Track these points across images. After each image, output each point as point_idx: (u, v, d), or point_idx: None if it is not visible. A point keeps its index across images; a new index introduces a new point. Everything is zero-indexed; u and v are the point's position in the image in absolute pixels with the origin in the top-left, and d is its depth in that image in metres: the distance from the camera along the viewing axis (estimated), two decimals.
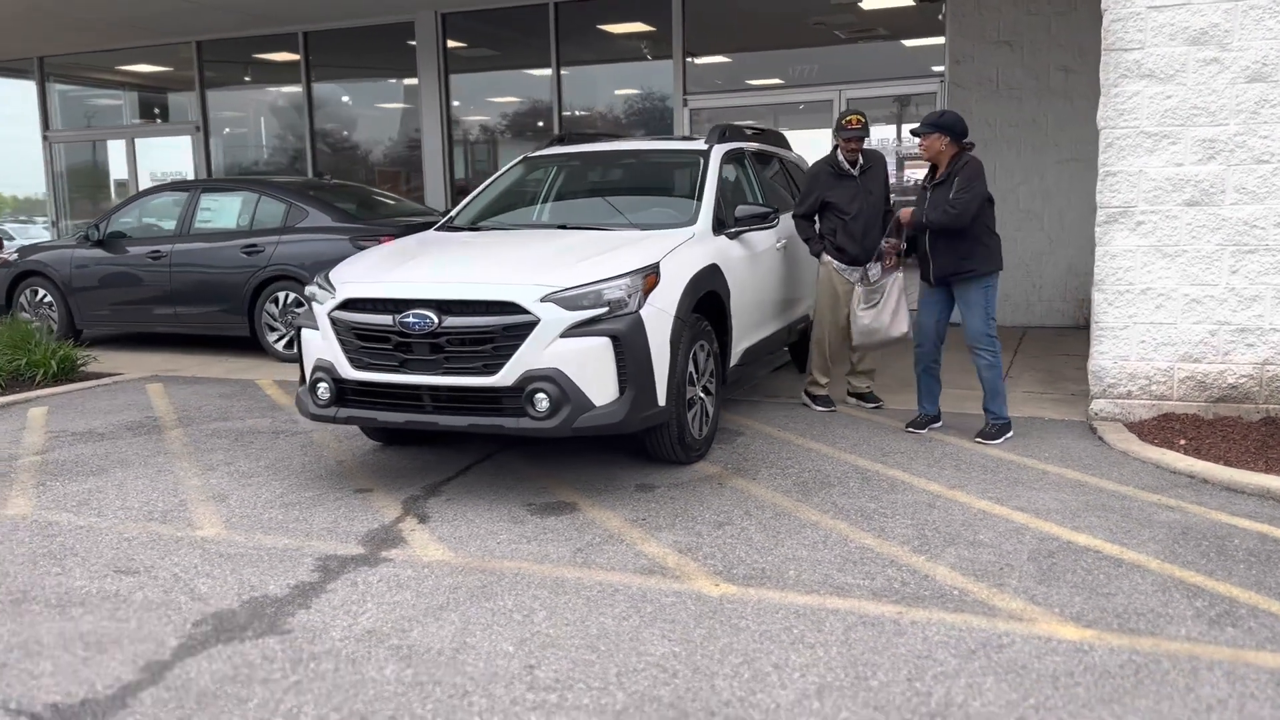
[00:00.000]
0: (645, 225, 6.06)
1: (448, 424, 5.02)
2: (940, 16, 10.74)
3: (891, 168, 7.61)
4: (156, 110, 15.68)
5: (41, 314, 10.47)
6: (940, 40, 10.76)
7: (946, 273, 5.90)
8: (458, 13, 12.65)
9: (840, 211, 6.59)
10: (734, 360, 6.23)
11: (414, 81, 13.11)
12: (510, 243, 5.84)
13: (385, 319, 5.03)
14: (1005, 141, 10.34)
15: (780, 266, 7.02)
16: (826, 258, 6.71)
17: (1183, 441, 5.83)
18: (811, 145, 11.34)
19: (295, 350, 9.14)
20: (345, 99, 14.17)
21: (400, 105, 13.78)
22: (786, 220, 7.02)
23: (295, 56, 13.70)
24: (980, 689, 3.12)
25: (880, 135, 11.15)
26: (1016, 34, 10.32)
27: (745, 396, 7.37)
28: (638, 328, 4.98)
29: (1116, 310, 6.33)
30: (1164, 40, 6.11)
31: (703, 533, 4.57)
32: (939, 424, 6.35)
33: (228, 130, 14.78)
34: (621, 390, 4.96)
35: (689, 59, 11.80)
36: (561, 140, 7.46)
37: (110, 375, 8.79)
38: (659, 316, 5.14)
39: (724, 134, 6.89)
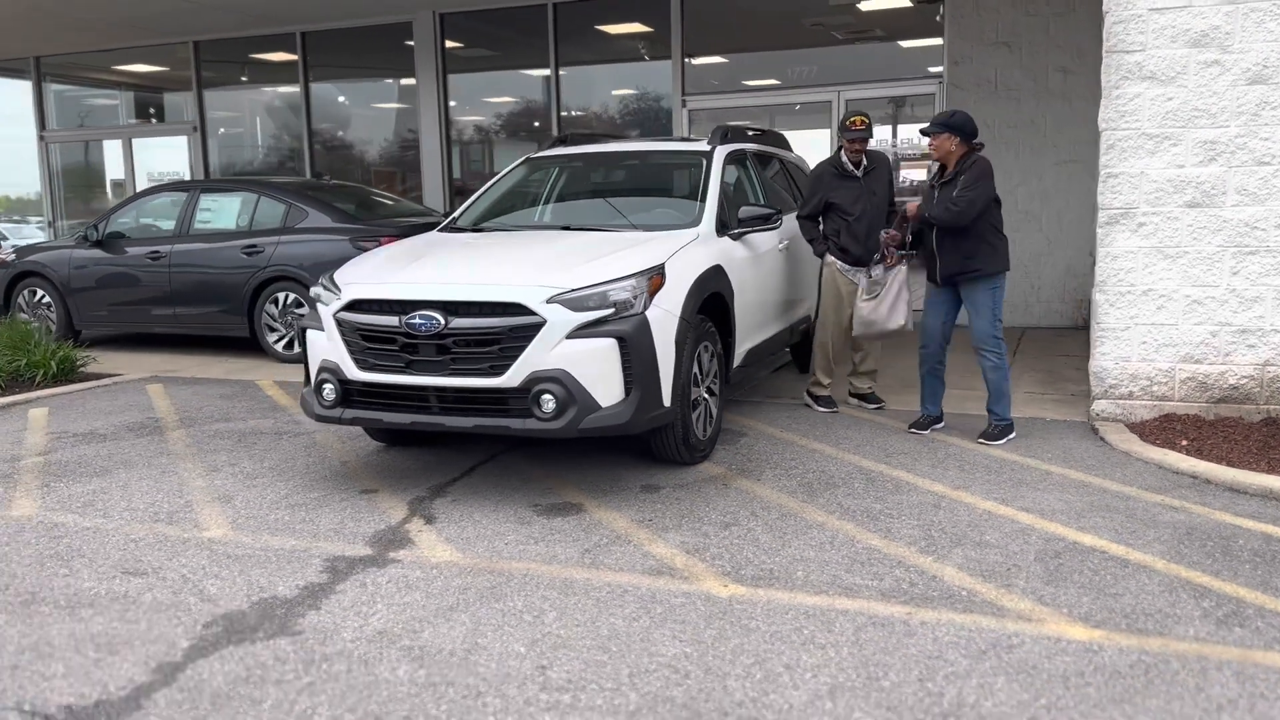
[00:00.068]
0: (649, 226, 6.07)
1: (454, 425, 5.03)
2: (938, 18, 10.77)
3: None
4: (152, 110, 15.65)
5: (40, 314, 10.45)
6: (939, 41, 10.78)
7: (953, 272, 5.92)
8: (456, 13, 12.65)
9: (844, 212, 6.61)
10: (737, 361, 6.24)
11: (412, 82, 13.10)
12: (515, 244, 5.84)
13: (391, 320, 5.04)
14: (1004, 143, 10.36)
15: (782, 267, 7.04)
16: (830, 258, 6.73)
17: (1184, 442, 5.86)
18: (812, 146, 11.39)
19: (295, 351, 9.20)
20: (343, 99, 14.16)
21: (398, 105, 13.78)
22: (788, 221, 7.03)
23: (293, 56, 13.69)
24: (992, 689, 3.14)
25: (877, 135, 11.16)
26: (1015, 35, 10.35)
27: (746, 397, 7.38)
28: (643, 329, 4.99)
29: (1118, 311, 6.35)
30: (1165, 42, 6.13)
31: (709, 533, 4.59)
32: (941, 424, 6.37)
33: (224, 130, 14.76)
34: (627, 391, 4.97)
35: (687, 60, 11.81)
36: (564, 141, 7.46)
37: (110, 376, 8.78)
38: (664, 318, 5.15)
39: (726, 135, 6.90)
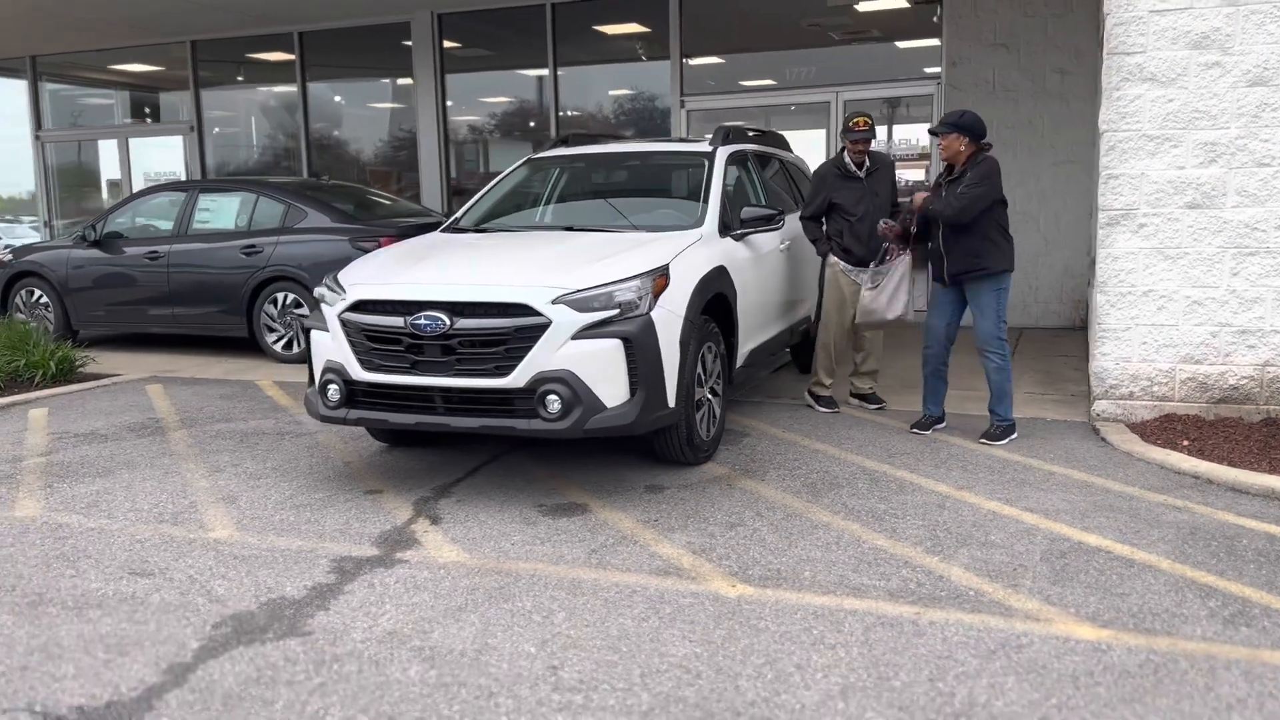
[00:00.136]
0: (652, 227, 6.08)
1: (459, 426, 5.03)
2: (935, 19, 10.79)
3: None
4: (147, 110, 15.61)
5: (37, 314, 10.43)
6: (937, 42, 10.81)
7: (960, 270, 5.93)
8: (454, 13, 12.64)
9: (846, 213, 6.63)
10: (740, 361, 6.25)
11: (409, 82, 13.09)
12: (519, 245, 5.85)
13: (397, 321, 5.04)
14: (1002, 143, 10.34)
15: (784, 268, 7.05)
16: (833, 259, 6.74)
17: (1185, 442, 5.88)
18: (811, 146, 11.42)
19: (294, 351, 9.20)
20: (340, 99, 14.15)
21: (396, 105, 13.77)
22: (789, 221, 7.04)
23: (290, 56, 13.67)
24: (1002, 689, 3.15)
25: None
26: (1013, 36, 10.37)
27: (747, 397, 7.39)
28: (649, 329, 5.00)
29: (1119, 312, 6.37)
30: (1166, 44, 6.16)
31: (715, 534, 4.60)
32: (943, 425, 6.39)
33: (219, 130, 14.73)
34: (632, 392, 4.98)
35: (686, 60, 11.82)
36: (565, 142, 7.47)
37: (109, 376, 8.77)
38: (669, 318, 5.16)
39: (728, 136, 6.92)
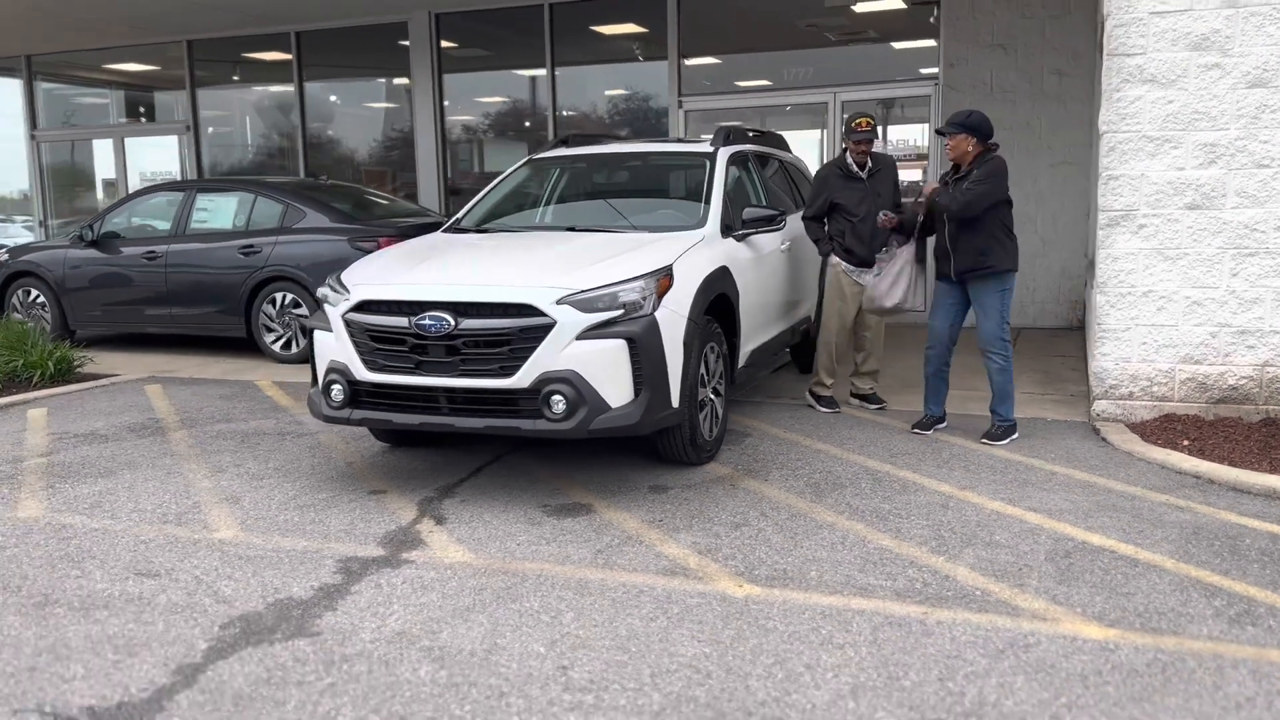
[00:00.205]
0: (654, 228, 6.09)
1: (464, 426, 5.03)
2: (932, 20, 10.82)
3: None
4: (141, 110, 15.57)
5: (34, 314, 10.40)
6: (935, 43, 10.83)
7: (966, 268, 5.94)
8: (452, 13, 12.64)
9: (848, 213, 6.64)
10: (741, 361, 6.26)
11: (406, 81, 13.08)
12: (522, 245, 5.85)
13: (401, 321, 5.04)
14: (999, 144, 10.39)
15: (785, 268, 7.07)
16: (835, 259, 6.76)
17: (1186, 442, 5.90)
18: (809, 147, 11.45)
19: (293, 352, 9.19)
20: (337, 99, 14.14)
21: (393, 105, 13.76)
22: (790, 222, 7.06)
23: (287, 56, 13.65)
24: (1012, 688, 3.16)
25: None
26: (1010, 37, 10.40)
27: (748, 397, 7.40)
28: (653, 330, 5.01)
29: (1119, 312, 6.40)
30: (1166, 46, 6.18)
31: (720, 534, 4.60)
32: (943, 425, 6.41)
33: (215, 130, 14.70)
34: (637, 392, 4.99)
35: (683, 61, 11.83)
36: (565, 142, 7.47)
37: (107, 376, 8.75)
38: (673, 319, 5.17)
39: (728, 136, 6.92)
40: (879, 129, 10.30)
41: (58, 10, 12.19)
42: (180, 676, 3.34)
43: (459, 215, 6.85)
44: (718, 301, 5.74)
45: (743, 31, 11.91)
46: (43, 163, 15.85)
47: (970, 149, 5.91)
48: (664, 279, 5.20)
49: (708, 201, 6.23)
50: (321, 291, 5.50)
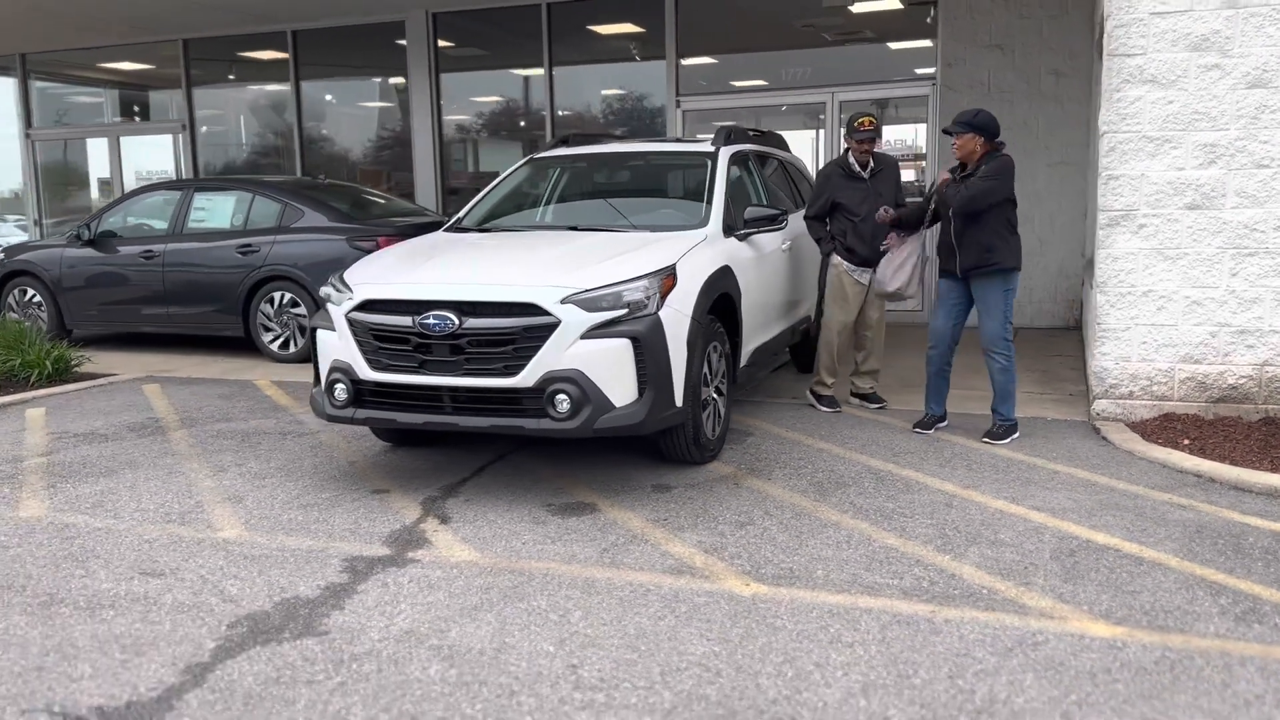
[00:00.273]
0: (656, 227, 6.09)
1: (468, 425, 5.03)
2: (929, 20, 10.84)
3: None
4: (136, 109, 15.52)
5: (30, 314, 10.37)
6: (933, 43, 10.85)
7: (972, 264, 5.94)
8: (449, 12, 12.62)
9: (850, 213, 6.66)
10: (743, 361, 6.27)
11: (403, 81, 13.07)
12: (525, 244, 5.85)
13: (405, 320, 5.03)
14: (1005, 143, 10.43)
15: (786, 268, 7.08)
16: (836, 259, 6.77)
17: (1186, 441, 5.92)
18: (808, 147, 11.46)
19: (291, 351, 9.18)
20: (334, 98, 14.11)
21: (390, 105, 13.74)
22: (791, 221, 7.06)
23: (284, 55, 13.63)
24: (1021, 686, 3.17)
25: None
26: (1008, 37, 10.43)
27: (748, 397, 7.41)
28: (657, 329, 5.01)
29: (1118, 312, 6.41)
30: (1166, 46, 6.20)
31: (725, 533, 4.61)
32: (944, 423, 6.42)
33: (211, 129, 14.66)
34: (641, 391, 4.99)
35: (681, 60, 11.83)
36: (566, 141, 7.46)
37: (104, 376, 8.72)
38: (677, 318, 5.17)
39: (729, 136, 6.93)
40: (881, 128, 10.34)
41: (58, 10, 12.16)
42: (189, 676, 3.34)
43: (460, 214, 6.84)
44: (720, 301, 5.75)
45: (740, 31, 11.91)
46: (37, 162, 15.79)
47: (977, 148, 5.92)
48: (668, 278, 5.20)
49: (709, 201, 6.24)
50: (324, 290, 5.49)
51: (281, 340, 9.32)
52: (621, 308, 4.97)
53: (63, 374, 8.49)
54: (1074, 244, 10.49)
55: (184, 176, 14.40)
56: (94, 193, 15.83)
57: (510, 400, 4.98)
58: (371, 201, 10.44)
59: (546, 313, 4.89)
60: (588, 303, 4.93)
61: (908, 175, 10.93)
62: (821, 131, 11.43)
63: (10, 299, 10.51)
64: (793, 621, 3.66)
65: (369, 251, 8.32)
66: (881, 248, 6.51)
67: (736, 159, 6.84)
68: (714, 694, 3.16)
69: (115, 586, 4.10)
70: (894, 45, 11.39)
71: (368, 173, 13.82)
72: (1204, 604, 3.77)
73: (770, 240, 6.73)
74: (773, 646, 3.47)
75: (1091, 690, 3.14)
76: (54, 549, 4.55)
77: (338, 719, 3.05)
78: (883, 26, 11.41)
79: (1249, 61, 6.08)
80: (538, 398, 4.92)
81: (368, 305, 5.18)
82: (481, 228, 6.58)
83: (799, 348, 8.11)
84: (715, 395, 5.73)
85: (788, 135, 9.79)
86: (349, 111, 14.12)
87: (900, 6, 11.09)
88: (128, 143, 15.28)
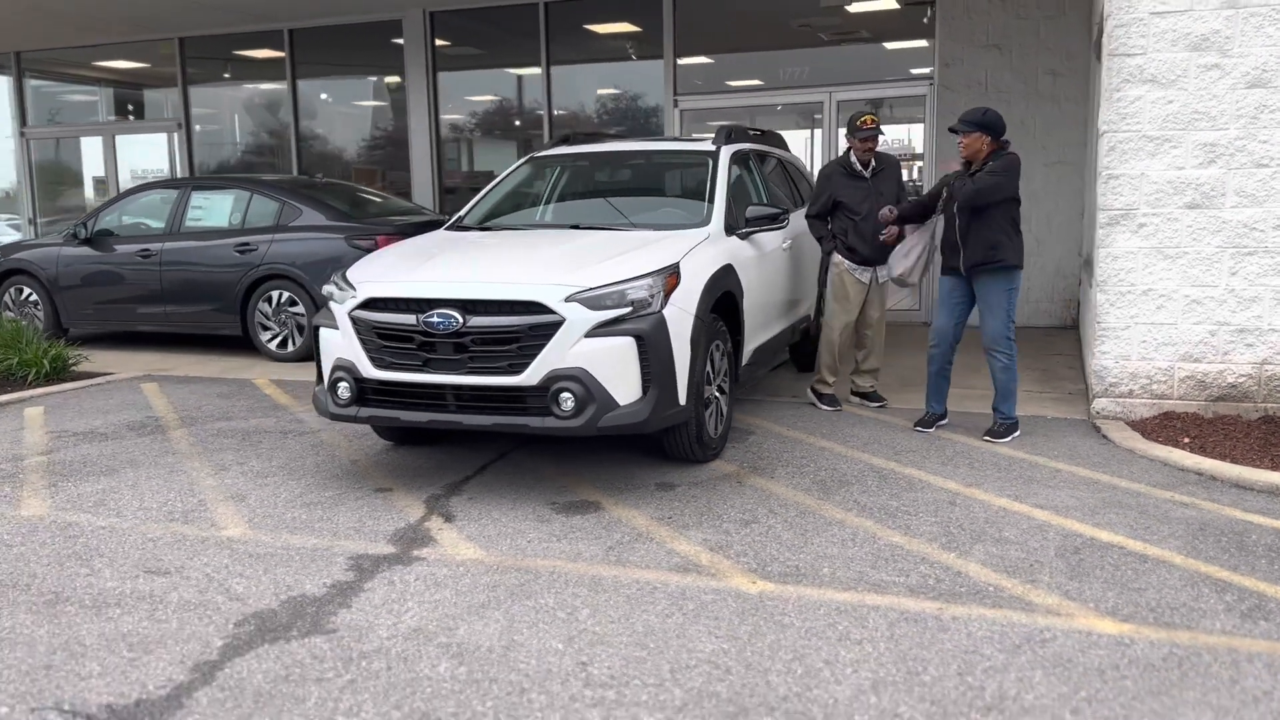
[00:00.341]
0: (658, 226, 6.09)
1: (472, 423, 5.03)
2: (925, 20, 10.86)
3: None
4: (130, 107, 15.47)
5: (26, 313, 10.33)
6: (930, 43, 10.87)
7: (976, 261, 5.95)
8: (446, 11, 12.61)
9: (851, 212, 6.67)
10: (745, 359, 6.27)
11: (400, 80, 13.05)
12: (528, 243, 5.84)
13: (409, 318, 5.03)
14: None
15: (786, 267, 7.08)
16: (838, 257, 6.78)
17: (1186, 440, 5.94)
18: (805, 147, 11.47)
19: (289, 350, 9.17)
20: (331, 97, 14.08)
21: (387, 103, 13.72)
22: (791, 220, 7.07)
23: (280, 54, 13.59)
24: (1031, 683, 3.18)
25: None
26: (1006, 37, 10.45)
27: (748, 395, 7.41)
28: (661, 328, 5.01)
29: (1118, 311, 6.43)
30: (1166, 46, 6.22)
31: (730, 531, 4.61)
32: (945, 422, 6.44)
33: (207, 127, 14.63)
34: (645, 390, 4.99)
35: (679, 60, 11.83)
36: (566, 140, 7.46)
37: (102, 375, 8.70)
38: (680, 316, 5.17)
39: (730, 135, 6.93)
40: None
41: (59, 10, 12.13)
42: (198, 674, 3.33)
43: (461, 213, 6.83)
44: (723, 300, 5.75)
45: (738, 31, 11.92)
46: (31, 160, 15.73)
47: (984, 147, 5.93)
48: (671, 277, 5.20)
49: (711, 200, 6.24)
50: (327, 289, 5.48)
51: (280, 339, 9.30)
52: (625, 306, 4.97)
53: (60, 373, 8.47)
54: (1071, 243, 10.52)
55: (179, 175, 14.36)
56: (89, 192, 15.78)
57: (514, 398, 4.97)
58: (369, 200, 10.42)
59: (551, 311, 4.89)
60: (592, 301, 4.93)
61: (905, 175, 10.93)
62: (821, 131, 11.43)
63: (6, 298, 10.48)
64: (800, 619, 3.67)
65: (367, 250, 8.32)
66: (881, 236, 6.51)
67: (737, 158, 6.85)
68: (724, 691, 3.16)
69: (120, 585, 4.09)
70: (891, 45, 11.41)
71: (364, 171, 13.80)
72: (1210, 601, 3.78)
73: (771, 239, 6.74)
74: (781, 644, 3.47)
75: (1101, 687, 3.15)
76: (57, 547, 4.53)
77: (349, 716, 3.05)
78: (880, 26, 11.42)
79: (1249, 61, 6.11)
80: (542, 396, 4.92)
81: (371, 303, 5.17)
82: (483, 226, 6.57)
83: (798, 347, 8.12)
84: (718, 394, 5.74)
85: (785, 135, 9.82)
86: (345, 110, 14.09)
87: (897, 6, 11.11)
88: (123, 141, 15.24)
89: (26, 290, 10.36)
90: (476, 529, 4.69)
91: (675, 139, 9.36)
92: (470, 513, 4.92)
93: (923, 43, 11.01)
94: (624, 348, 4.92)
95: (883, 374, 7.40)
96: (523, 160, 7.26)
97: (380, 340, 5.13)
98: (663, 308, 5.07)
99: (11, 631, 3.67)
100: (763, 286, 6.51)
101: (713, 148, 6.71)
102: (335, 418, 5.29)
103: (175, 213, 9.87)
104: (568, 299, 4.91)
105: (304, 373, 8.64)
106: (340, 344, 5.26)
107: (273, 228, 9.36)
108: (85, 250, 10.03)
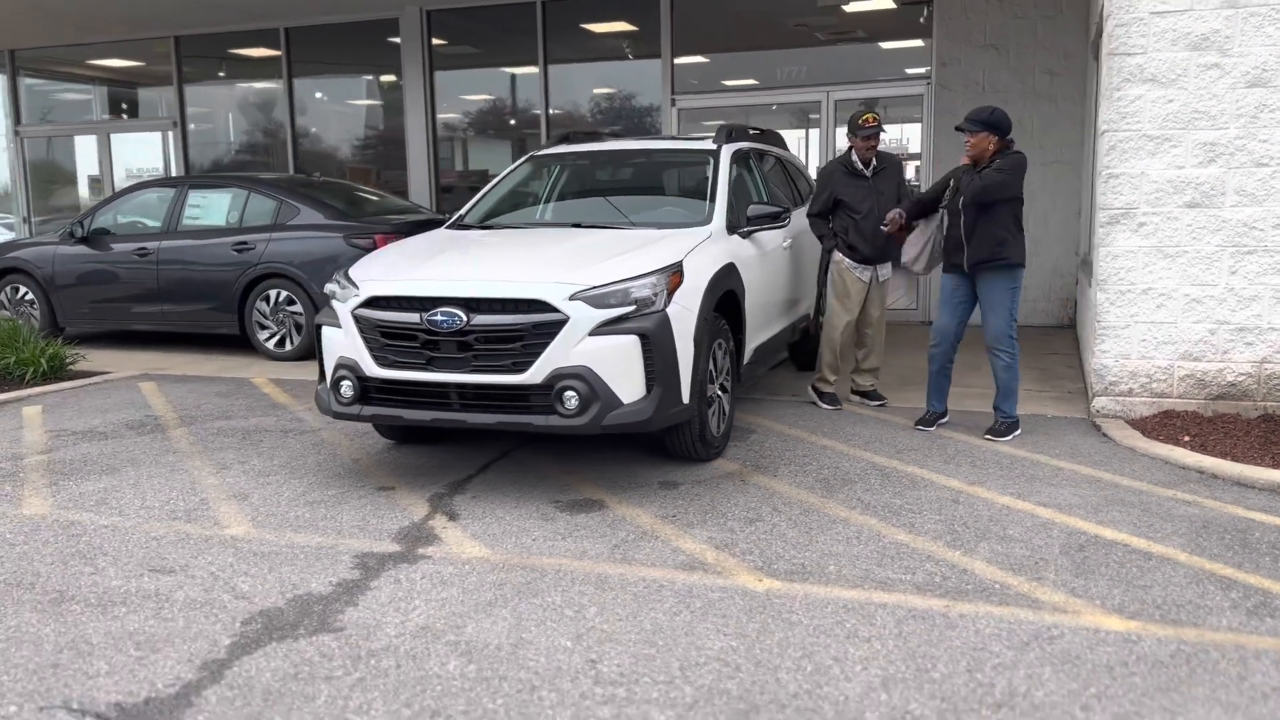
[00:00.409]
0: (660, 224, 6.08)
1: (476, 422, 5.02)
2: (922, 20, 10.87)
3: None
4: (124, 106, 15.42)
5: (22, 311, 10.30)
6: (928, 43, 10.89)
7: (981, 258, 5.96)
8: (443, 10, 12.59)
9: (852, 210, 6.67)
10: (747, 358, 6.27)
11: (397, 79, 13.03)
12: (530, 241, 5.84)
13: (412, 317, 5.02)
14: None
15: (787, 266, 7.09)
16: (839, 256, 6.79)
17: (1187, 438, 5.96)
18: (802, 146, 11.47)
19: (287, 349, 9.15)
20: (327, 96, 14.05)
21: (383, 102, 13.70)
22: (792, 219, 7.07)
23: (276, 52, 13.56)
24: (1040, 679, 3.19)
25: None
26: (1003, 37, 10.47)
27: (748, 394, 7.41)
28: (665, 326, 5.01)
29: (1118, 310, 6.45)
30: (1166, 45, 6.24)
31: (735, 529, 4.61)
32: (945, 420, 6.45)
33: (204, 126, 14.59)
34: (649, 388, 4.99)
35: (676, 59, 11.83)
36: (567, 139, 7.45)
37: (99, 374, 8.67)
38: (684, 315, 5.17)
39: (731, 134, 6.93)
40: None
41: (59, 9, 12.09)
42: (206, 672, 3.32)
43: (462, 212, 6.82)
44: (725, 298, 5.75)
45: (736, 31, 11.92)
46: (25, 159, 15.67)
47: (990, 146, 5.93)
48: (675, 275, 5.20)
49: (713, 199, 6.24)
50: (329, 287, 5.47)
51: (277, 338, 9.28)
52: (629, 304, 4.97)
53: (57, 372, 8.44)
54: (1068, 243, 10.55)
55: (174, 174, 14.32)
56: (83, 190, 15.73)
57: (518, 397, 4.97)
58: (366, 199, 10.40)
59: (555, 309, 4.88)
60: (596, 299, 4.92)
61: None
62: (819, 131, 11.44)
63: (2, 296, 10.44)
64: (808, 617, 3.67)
65: (366, 249, 8.31)
66: (884, 226, 6.50)
67: (738, 157, 6.84)
68: (734, 688, 3.17)
69: (125, 583, 4.08)
70: (888, 45, 11.42)
71: (358, 170, 13.77)
72: (1215, 598, 3.79)
73: (772, 238, 6.74)
74: (790, 641, 3.48)
75: (1110, 683, 3.16)
76: (60, 546, 4.52)
77: (360, 714, 3.05)
78: (877, 26, 11.44)
79: (1248, 61, 6.13)
80: (546, 394, 4.92)
81: (374, 302, 5.16)
82: (484, 225, 6.56)
83: (797, 346, 8.12)
84: (720, 392, 5.74)
85: (788, 134, 9.83)
86: (341, 109, 14.07)
87: (894, 6, 11.12)
88: (118, 140, 15.19)
89: (22, 289, 10.32)
90: (481, 527, 4.68)
91: (676, 138, 9.36)
92: (474, 511, 4.92)
93: (919, 42, 11.03)
94: (628, 346, 4.92)
95: (882, 373, 7.40)
96: (523, 159, 7.25)
97: (383, 339, 5.12)
98: (666, 306, 5.07)
99: (17, 630, 3.66)
100: (764, 285, 6.52)
101: (714, 146, 6.71)
102: (338, 416, 5.27)
103: (172, 211, 9.84)
104: (572, 297, 4.91)
105: (302, 372, 8.63)
106: (343, 342, 5.25)
107: (270, 226, 9.34)
108: (81, 249, 10.00)
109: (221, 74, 14.34)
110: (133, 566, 4.26)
